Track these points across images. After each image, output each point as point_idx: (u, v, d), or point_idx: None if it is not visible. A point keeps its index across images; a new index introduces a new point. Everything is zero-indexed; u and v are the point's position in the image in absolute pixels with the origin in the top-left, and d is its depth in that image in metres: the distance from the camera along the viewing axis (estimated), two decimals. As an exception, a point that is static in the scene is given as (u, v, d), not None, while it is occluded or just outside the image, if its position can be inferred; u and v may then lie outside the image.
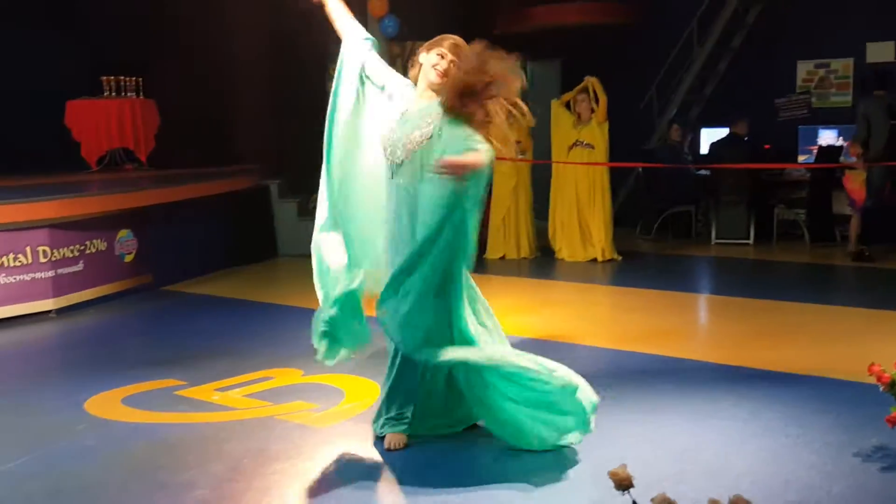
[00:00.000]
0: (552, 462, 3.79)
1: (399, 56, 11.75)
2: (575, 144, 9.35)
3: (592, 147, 9.27)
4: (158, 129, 11.04)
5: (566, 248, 9.44)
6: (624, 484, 2.40)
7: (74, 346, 6.36)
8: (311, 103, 11.60)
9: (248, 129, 11.25)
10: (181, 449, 4.07)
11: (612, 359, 5.58)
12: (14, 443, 4.21)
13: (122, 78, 10.74)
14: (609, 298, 7.52)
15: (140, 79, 10.86)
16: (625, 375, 5.13)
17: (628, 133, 11.07)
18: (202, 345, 5.60)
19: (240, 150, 10.99)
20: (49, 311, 7.01)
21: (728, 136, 10.35)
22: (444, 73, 3.93)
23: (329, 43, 11.67)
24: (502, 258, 9.61)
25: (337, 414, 4.55)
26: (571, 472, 3.67)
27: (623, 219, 11.32)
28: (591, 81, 9.26)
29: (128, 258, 7.80)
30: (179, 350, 5.82)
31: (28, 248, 6.86)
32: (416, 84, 4.06)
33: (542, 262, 9.48)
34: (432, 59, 3.99)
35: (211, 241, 9.02)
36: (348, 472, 3.85)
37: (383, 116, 4.04)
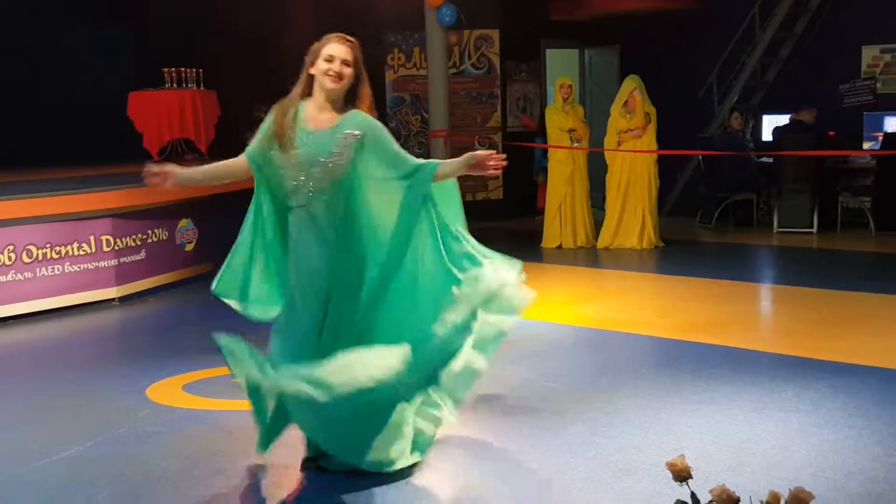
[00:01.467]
0: (608, 453, 3.77)
1: (456, 45, 11.76)
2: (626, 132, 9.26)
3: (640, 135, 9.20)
4: (218, 119, 11.17)
5: (606, 235, 9.37)
6: (682, 475, 2.37)
7: (136, 334, 6.48)
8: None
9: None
10: (239, 436, 4.12)
11: (671, 348, 5.52)
12: (79, 428, 4.31)
13: (183, 69, 10.87)
14: (668, 287, 7.42)
15: (201, 70, 10.98)
16: (683, 365, 5.07)
17: (687, 120, 10.91)
18: (260, 332, 5.63)
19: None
20: (112, 300, 7.15)
21: (791, 122, 10.14)
22: (339, 76, 3.56)
23: (385, 30, 11.74)
24: (559, 247, 9.55)
25: (393, 402, 4.56)
26: (628, 463, 3.65)
27: (682, 207, 11.17)
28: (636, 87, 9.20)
29: (188, 247, 7.92)
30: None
31: (92, 238, 7.00)
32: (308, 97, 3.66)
33: (599, 250, 9.39)
34: (322, 66, 3.56)
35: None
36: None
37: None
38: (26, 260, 6.67)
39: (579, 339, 5.85)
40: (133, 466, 3.81)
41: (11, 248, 6.59)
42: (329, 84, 3.55)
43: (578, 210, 9.59)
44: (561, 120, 9.55)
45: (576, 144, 9.51)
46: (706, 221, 10.72)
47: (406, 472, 3.64)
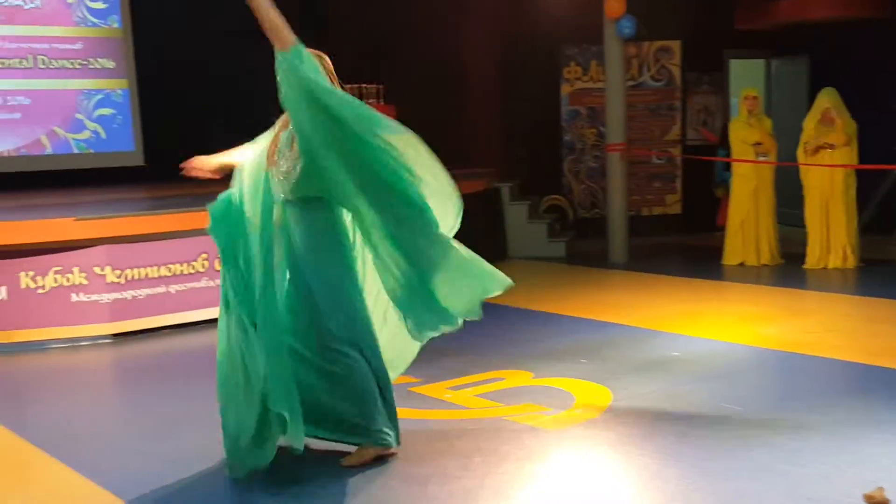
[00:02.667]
0: (795, 481, 3.59)
1: (635, 57, 11.59)
2: (822, 147, 8.82)
3: (833, 147, 8.74)
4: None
5: (810, 254, 8.93)
6: (880, 508, 2.23)
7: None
8: (541, 107, 11.72)
9: (481, 134, 11.44)
10: (416, 443, 4.18)
11: (862, 374, 5.21)
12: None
13: (364, 85, 11.20)
14: (857, 309, 7.03)
15: (381, 86, 11.29)
16: (876, 392, 4.78)
17: (882, 133, 10.32)
18: (435, 344, 5.71)
19: (472, 154, 11.19)
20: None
21: None
22: None
23: (561, 44, 11.72)
24: (741, 265, 9.22)
25: (568, 418, 4.52)
26: (817, 493, 3.46)
27: (876, 225, 10.56)
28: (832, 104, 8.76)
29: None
30: (414, 348, 5.99)
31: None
32: None
33: (785, 269, 9.00)
34: None
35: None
36: (580, 477, 3.82)
37: None
38: (218, 268, 7.01)
39: (762, 360, 5.61)
40: (307, 470, 3.92)
41: (205, 256, 6.97)
42: None
43: (763, 226, 9.21)
44: (746, 133, 9.23)
45: (762, 158, 9.15)
46: (902, 240, 10.10)
47: (575, 492, 3.60)
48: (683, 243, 11.11)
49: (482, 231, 9.90)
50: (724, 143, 10.89)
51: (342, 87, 3.98)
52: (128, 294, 6.69)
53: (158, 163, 11.18)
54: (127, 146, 11.40)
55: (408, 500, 3.57)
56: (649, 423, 4.40)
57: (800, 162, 8.98)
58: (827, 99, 8.84)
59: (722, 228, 9.80)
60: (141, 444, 4.40)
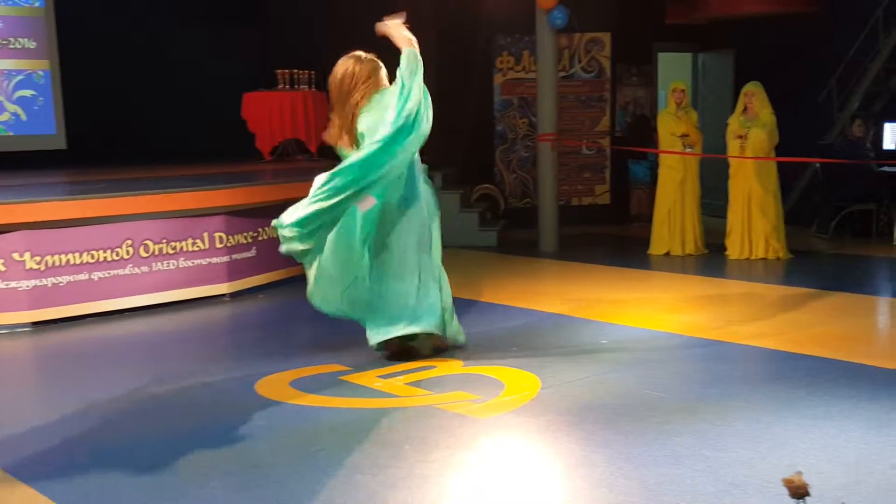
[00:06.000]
0: (717, 466, 3.66)
1: (566, 48, 11.67)
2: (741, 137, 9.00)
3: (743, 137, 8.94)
4: (329, 121, 11.34)
5: (731, 244, 9.11)
6: (800, 492, 2.28)
7: (247, 329, 6.63)
8: (474, 97, 11.73)
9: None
10: (345, 433, 4.16)
11: (784, 361, 5.34)
12: (191, 419, 4.43)
13: (296, 71, 11.08)
14: (781, 298, 7.20)
15: (313, 72, 11.18)
16: (797, 379, 4.90)
17: (805, 127, 10.57)
18: (365, 332, 5.72)
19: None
20: (223, 295, 7.33)
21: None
22: None
23: (495, 34, 11.74)
24: (666, 254, 9.38)
25: (497, 405, 4.54)
26: (738, 478, 3.53)
27: (798, 216, 10.82)
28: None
29: (297, 246, 8.04)
30: (344, 336, 5.96)
31: (206, 234, 7.20)
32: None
33: (709, 259, 9.19)
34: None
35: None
36: (509, 463, 3.84)
37: None
38: (143, 254, 6.90)
39: (687, 348, 5.71)
40: (243, 459, 3.89)
41: (130, 242, 6.83)
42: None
43: (688, 217, 9.38)
44: (674, 125, 9.37)
45: (688, 150, 9.31)
46: (822, 231, 10.37)
47: (504, 479, 3.62)
48: (612, 233, 11.26)
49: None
50: (635, 135, 11.13)
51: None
52: (48, 281, 6.51)
53: (80, 147, 10.94)
54: (48, 129, 11.11)
55: (338, 489, 3.55)
56: (577, 410, 4.45)
57: (727, 154, 9.15)
58: (750, 91, 9.02)
59: (637, 216, 9.98)
60: (62, 435, 4.30)
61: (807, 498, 2.29)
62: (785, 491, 2.31)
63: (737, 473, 3.58)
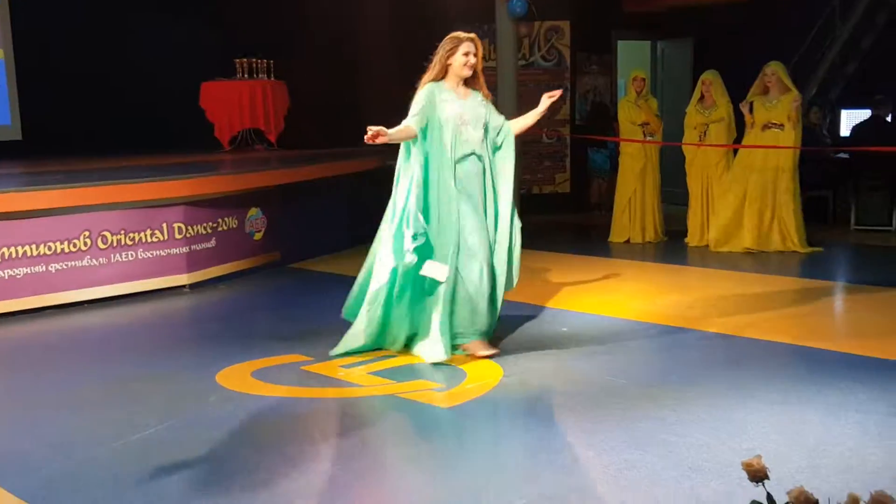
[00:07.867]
0: (677, 450, 3.70)
1: (526, 37, 11.68)
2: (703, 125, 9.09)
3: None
4: (288, 110, 11.27)
5: (691, 232, 9.21)
6: (759, 475, 2.30)
7: (207, 320, 6.57)
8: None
9: (376, 111, 11.35)
10: (308, 423, 4.15)
11: (743, 347, 5.40)
12: (151, 411, 4.38)
13: (255, 60, 10.99)
14: (739, 284, 7.28)
15: (271, 61, 11.10)
16: (755, 364, 4.97)
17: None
18: (327, 322, 5.69)
19: (367, 131, 11.13)
20: (183, 286, 7.27)
21: (871, 117, 9.86)
22: (472, 67, 5.18)
23: (454, 22, 11.69)
24: (627, 242, 9.45)
25: (460, 394, 4.55)
26: (698, 462, 3.58)
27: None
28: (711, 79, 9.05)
29: (257, 236, 8.01)
30: (305, 326, 5.94)
31: (164, 225, 7.12)
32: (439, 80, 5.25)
33: (669, 246, 9.27)
34: (461, 59, 5.15)
35: (337, 220, 9.18)
36: (472, 451, 3.85)
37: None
38: (101, 246, 6.81)
39: (647, 335, 5.77)
40: (204, 450, 3.85)
41: (87, 233, 6.74)
42: (467, 72, 5.18)
43: (648, 205, 9.46)
44: (634, 113, 9.43)
45: (649, 138, 9.37)
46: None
47: (468, 466, 3.63)
48: (572, 221, 11.32)
49: (376, 209, 9.84)
50: (595, 124, 11.20)
51: None
52: (4, 273, 6.41)
53: (36, 137, 10.76)
54: (3, 119, 10.92)
55: (303, 479, 3.53)
56: (538, 397, 4.47)
57: (684, 142, 9.23)
58: (707, 80, 9.10)
59: (598, 204, 10.03)
60: (21, 429, 4.24)
61: (766, 481, 2.31)
62: (744, 475, 2.33)
63: (696, 458, 3.62)
